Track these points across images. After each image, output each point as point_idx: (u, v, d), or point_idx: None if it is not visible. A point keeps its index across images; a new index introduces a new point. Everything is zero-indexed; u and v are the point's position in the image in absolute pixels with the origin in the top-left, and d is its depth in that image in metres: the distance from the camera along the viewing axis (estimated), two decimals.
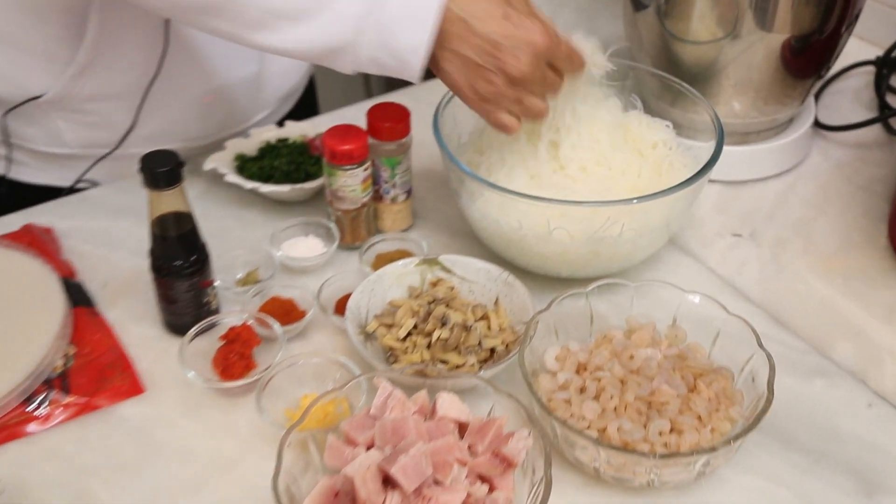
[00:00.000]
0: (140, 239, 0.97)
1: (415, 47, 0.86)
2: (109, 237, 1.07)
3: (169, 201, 0.89)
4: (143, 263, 0.95)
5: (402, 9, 0.85)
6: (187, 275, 0.92)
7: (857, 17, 1.09)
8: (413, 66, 0.87)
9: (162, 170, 0.86)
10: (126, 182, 1.14)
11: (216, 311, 0.96)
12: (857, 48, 1.34)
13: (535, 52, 0.87)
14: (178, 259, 0.91)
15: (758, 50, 1.07)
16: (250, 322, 0.93)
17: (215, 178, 1.14)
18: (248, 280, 1.01)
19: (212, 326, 0.93)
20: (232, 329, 0.92)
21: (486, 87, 0.88)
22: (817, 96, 1.27)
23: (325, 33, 0.86)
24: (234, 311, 0.96)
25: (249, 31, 0.87)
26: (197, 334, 0.92)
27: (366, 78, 1.97)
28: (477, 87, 0.89)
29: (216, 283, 0.96)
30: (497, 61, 0.87)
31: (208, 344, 0.92)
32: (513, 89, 0.89)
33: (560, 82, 0.93)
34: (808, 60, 1.10)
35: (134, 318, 0.97)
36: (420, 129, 1.08)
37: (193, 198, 0.93)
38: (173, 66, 1.09)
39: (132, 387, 0.90)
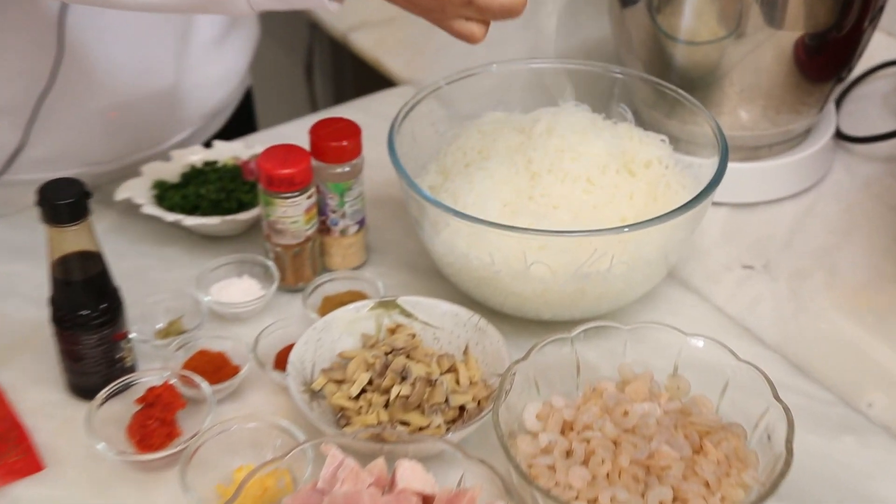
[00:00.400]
0: (38, 285, 0.97)
1: None
2: (0, 283, 1.07)
3: (73, 239, 0.88)
4: (43, 314, 0.95)
5: None
6: (96, 326, 0.92)
7: (881, 9, 1.11)
8: None
9: (64, 202, 0.86)
10: (20, 216, 1.14)
11: (132, 370, 0.96)
12: (884, 45, 1.37)
13: None
14: (85, 308, 0.91)
15: (767, 50, 1.09)
16: (173, 381, 0.93)
17: (130, 209, 1.14)
18: (171, 331, 1.01)
19: (126, 388, 0.93)
20: (151, 390, 0.91)
21: None
22: (838, 103, 1.29)
23: None
24: (153, 368, 0.96)
25: None
26: (108, 397, 0.92)
27: (310, 88, 1.98)
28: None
29: (131, 336, 0.96)
30: None
31: (122, 409, 0.92)
32: None
33: None
34: (826, 61, 1.12)
35: (31, 381, 0.97)
36: (373, 148, 1.09)
37: (103, 234, 0.93)
38: (70, 75, 1.09)
39: (29, 463, 0.90)
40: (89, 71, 1.10)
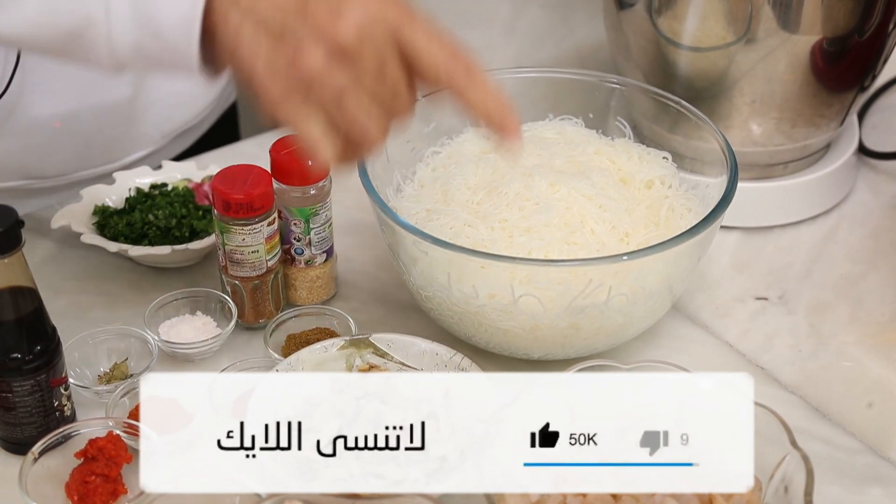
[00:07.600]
0: None
1: (184, 22, 0.78)
2: None
3: (3, 273, 0.89)
4: None
5: None
6: (30, 371, 0.92)
7: None
8: (186, 51, 0.79)
9: None
10: None
11: (71, 419, 0.96)
12: None
13: (370, 16, 0.75)
14: (17, 351, 0.91)
15: (780, 56, 1.10)
16: (117, 432, 0.93)
17: (68, 238, 1.14)
18: (115, 375, 1.02)
19: (65, 440, 0.93)
20: (92, 442, 0.91)
21: (291, 67, 0.76)
22: (861, 115, 1.29)
23: (54, 8, 0.80)
24: (95, 417, 0.96)
25: None
26: (44, 451, 0.92)
27: None
28: (276, 65, 0.77)
29: (70, 382, 0.96)
30: (311, 19, 0.75)
31: (61, 463, 0.92)
32: (332, 73, 0.75)
33: (408, 99, 0.79)
34: (846, 68, 1.14)
35: None
36: None
37: (37, 266, 0.94)
38: (24, 80, 1.09)
39: None
40: (41, 75, 1.10)
